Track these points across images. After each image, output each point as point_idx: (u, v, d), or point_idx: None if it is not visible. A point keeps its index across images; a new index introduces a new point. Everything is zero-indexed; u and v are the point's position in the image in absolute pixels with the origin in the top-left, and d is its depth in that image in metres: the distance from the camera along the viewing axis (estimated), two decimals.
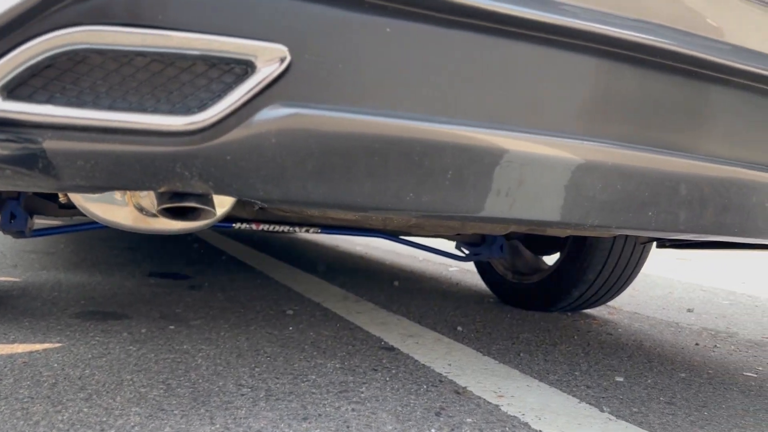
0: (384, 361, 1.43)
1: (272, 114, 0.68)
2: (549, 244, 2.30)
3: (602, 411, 1.21)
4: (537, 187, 0.85)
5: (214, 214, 0.80)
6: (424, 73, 0.75)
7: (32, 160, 0.65)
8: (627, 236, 1.98)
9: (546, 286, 2.16)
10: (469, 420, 1.10)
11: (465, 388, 1.28)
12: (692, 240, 1.79)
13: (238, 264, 2.85)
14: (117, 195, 0.91)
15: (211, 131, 0.67)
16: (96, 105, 0.65)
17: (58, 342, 1.37)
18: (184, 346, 1.41)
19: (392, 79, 0.73)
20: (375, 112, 0.73)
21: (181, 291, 2.07)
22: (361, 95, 0.72)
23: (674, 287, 3.04)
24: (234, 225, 1.87)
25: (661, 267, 3.82)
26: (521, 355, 1.59)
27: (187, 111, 0.67)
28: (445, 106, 0.77)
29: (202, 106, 0.67)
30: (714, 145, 0.97)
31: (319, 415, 1.06)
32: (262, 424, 1.00)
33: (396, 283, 2.66)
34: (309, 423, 1.02)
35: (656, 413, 1.23)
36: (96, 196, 0.91)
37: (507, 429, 1.08)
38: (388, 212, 0.84)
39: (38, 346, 1.33)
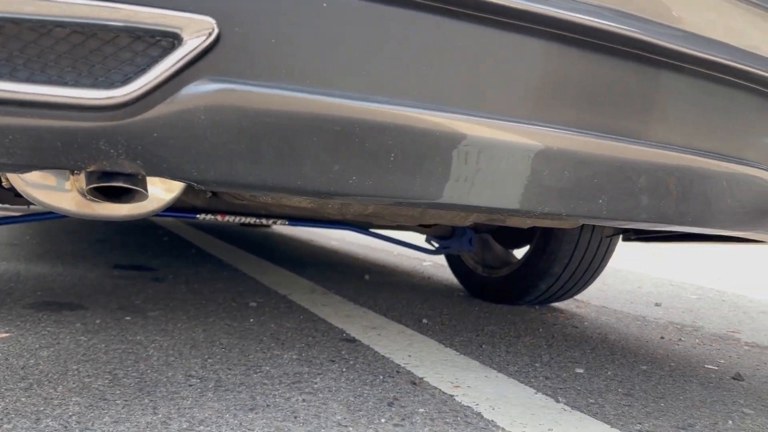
0: (343, 352, 1.41)
1: (200, 89, 0.66)
2: (519, 237, 2.30)
3: (558, 401, 1.20)
4: (482, 172, 0.84)
5: (146, 196, 0.77)
6: (363, 50, 0.73)
7: None
8: (593, 229, 1.98)
9: (514, 279, 2.16)
10: (421, 410, 1.09)
11: (422, 378, 1.27)
12: (657, 233, 1.80)
13: (207, 257, 2.81)
14: (59, 180, 0.88)
15: (135, 106, 0.65)
16: (13, 77, 0.62)
17: (6, 332, 1.33)
18: (138, 337, 1.38)
19: (328, 55, 0.71)
20: (310, 90, 0.70)
21: (143, 283, 2.04)
22: (296, 72, 0.70)
23: (644, 282, 3.05)
24: (198, 216, 1.84)
25: (633, 262, 3.84)
26: (483, 346, 1.58)
27: (110, 85, 0.64)
28: (383, 85, 0.75)
29: (126, 80, 0.64)
30: (666, 133, 0.96)
31: (268, 405, 1.04)
32: (206, 414, 0.98)
33: (367, 276, 2.64)
34: (255, 413, 1.00)
35: (612, 404, 1.23)
36: (39, 181, 0.88)
37: (459, 418, 1.06)
38: (331, 197, 0.82)
39: None
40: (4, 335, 1.31)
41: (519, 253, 2.29)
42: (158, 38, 0.65)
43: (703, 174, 1.00)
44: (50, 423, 0.89)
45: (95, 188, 0.77)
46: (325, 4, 0.71)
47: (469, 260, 2.36)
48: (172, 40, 0.65)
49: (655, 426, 1.12)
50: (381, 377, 1.25)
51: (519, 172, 0.86)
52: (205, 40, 0.65)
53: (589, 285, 2.14)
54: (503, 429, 1.03)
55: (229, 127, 0.68)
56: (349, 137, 0.75)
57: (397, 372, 1.30)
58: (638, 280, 3.09)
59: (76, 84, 0.63)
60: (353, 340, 1.52)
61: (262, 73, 0.68)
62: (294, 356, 1.34)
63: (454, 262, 2.45)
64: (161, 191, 0.89)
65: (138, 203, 0.88)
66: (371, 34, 0.74)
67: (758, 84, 1.01)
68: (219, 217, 1.88)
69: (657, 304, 2.47)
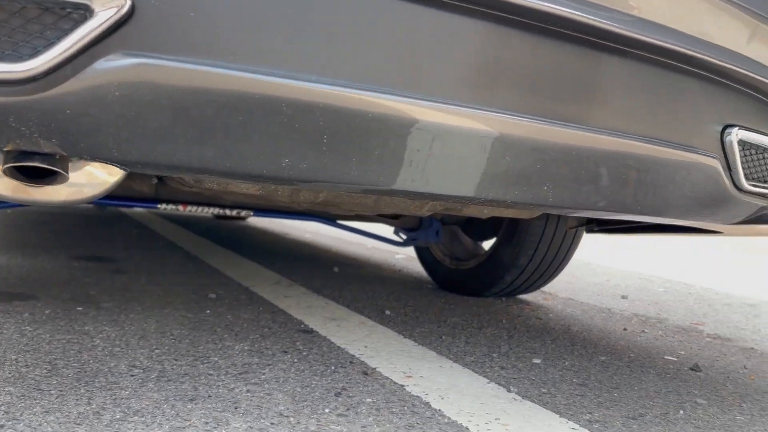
0: (298, 343, 1.39)
1: (112, 64, 0.63)
2: (487, 229, 2.29)
3: (509, 391, 1.19)
4: (421, 156, 0.82)
5: (67, 178, 0.74)
6: (287, 25, 0.71)
7: None
8: (558, 221, 1.98)
9: (481, 271, 2.15)
10: (368, 400, 1.07)
11: (374, 369, 1.25)
12: (620, 224, 1.79)
13: (176, 249, 2.77)
14: None
15: (44, 81, 0.62)
16: None
17: None
18: (86, 328, 1.35)
19: (250, 29, 0.69)
20: (232, 66, 0.68)
21: (103, 274, 2.00)
22: (216, 47, 0.68)
23: (613, 275, 3.07)
24: (159, 206, 1.81)
25: (603, 256, 3.86)
26: (443, 337, 1.57)
27: (18, 59, 0.62)
28: (314, 63, 0.73)
29: (34, 54, 0.61)
30: (611, 119, 0.95)
31: (209, 396, 1.02)
32: (143, 404, 0.95)
33: (336, 269, 2.62)
34: (195, 403, 0.98)
35: (565, 394, 1.22)
36: None
37: (406, 408, 1.05)
38: (265, 180, 0.79)
39: None
40: None
41: (488, 245, 2.29)
42: (68, 10, 0.62)
43: (651, 161, 0.99)
44: None
45: (16, 168, 0.74)
46: None
47: (438, 252, 2.34)
48: (84, 12, 0.62)
49: (605, 416, 1.12)
50: (333, 368, 1.23)
51: (459, 157, 0.85)
52: (117, 13, 0.62)
53: (554, 277, 2.14)
54: (449, 418, 1.02)
55: (146, 104, 0.66)
56: (276, 117, 0.73)
57: (351, 362, 1.28)
58: (607, 273, 3.10)
59: None
60: (310, 331, 1.50)
61: (180, 48, 0.65)
62: (246, 347, 1.32)
63: (423, 255, 2.44)
64: (104, 174, 0.87)
65: (77, 188, 0.85)
66: (296, 6, 0.71)
67: (707, 71, 1.00)
68: (181, 207, 1.85)
69: (623, 297, 2.47)
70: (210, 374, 1.12)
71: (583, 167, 0.93)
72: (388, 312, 1.81)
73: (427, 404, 1.07)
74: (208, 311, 1.61)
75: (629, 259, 3.91)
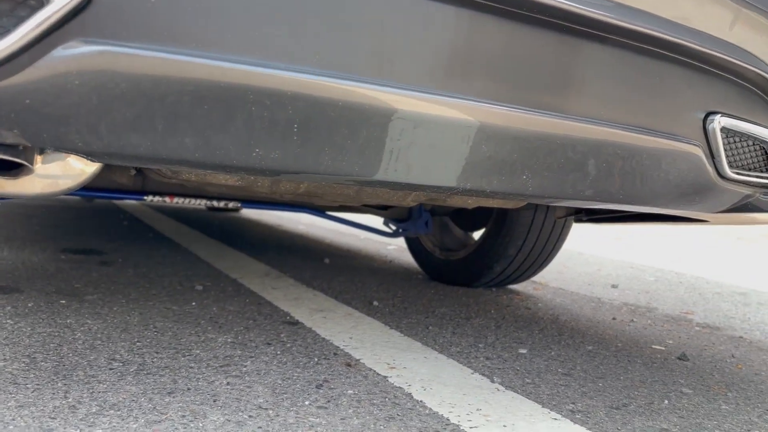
0: (282, 335, 1.38)
1: (71, 52, 0.62)
2: (478, 220, 2.28)
3: (493, 381, 1.19)
4: (395, 145, 0.81)
5: (32, 171, 0.73)
6: (252, 10, 0.69)
7: None
8: (546, 211, 1.97)
9: (470, 261, 2.14)
10: (350, 392, 1.06)
11: (358, 360, 1.24)
12: (607, 214, 1.79)
13: (164, 241, 2.76)
14: None
15: (1, 69, 0.60)
16: None
17: None
18: (68, 321, 1.34)
19: (214, 15, 0.67)
20: (195, 53, 0.67)
21: (89, 267, 1.98)
22: (178, 33, 0.66)
23: (604, 265, 3.06)
24: (146, 198, 1.79)
25: (595, 245, 3.86)
26: (430, 328, 1.56)
27: None
28: (282, 50, 0.71)
29: None
30: (591, 107, 0.94)
31: (188, 389, 1.01)
32: (120, 398, 0.94)
33: (327, 260, 2.61)
34: (173, 397, 0.97)
35: (549, 384, 1.21)
36: None
37: (387, 400, 1.04)
38: (237, 170, 0.78)
39: None
40: None
41: (479, 235, 2.28)
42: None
43: (632, 150, 0.98)
44: None
45: None
46: None
47: (428, 243, 2.34)
48: None
49: (588, 406, 1.11)
50: (315, 359, 1.22)
51: (437, 147, 0.83)
52: None
53: (544, 267, 2.14)
54: (430, 409, 1.01)
55: (107, 93, 0.64)
56: (242, 106, 0.71)
57: (334, 354, 1.27)
58: (598, 263, 3.10)
59: None
60: (296, 323, 1.49)
61: (140, 35, 0.64)
62: (229, 340, 1.31)
63: (413, 245, 2.43)
64: (80, 165, 0.85)
65: (52, 180, 0.84)
66: None
67: (688, 57, 0.99)
68: (168, 199, 1.84)
69: (614, 286, 2.47)
70: (191, 367, 1.12)
71: (562, 156, 0.92)
72: (376, 303, 1.81)
73: (409, 395, 1.07)
74: (193, 303, 1.60)
75: (620, 249, 3.91)
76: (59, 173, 0.85)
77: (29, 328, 1.26)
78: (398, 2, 0.76)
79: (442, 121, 0.81)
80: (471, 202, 1.42)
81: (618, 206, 1.07)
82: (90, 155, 0.71)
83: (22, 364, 1.05)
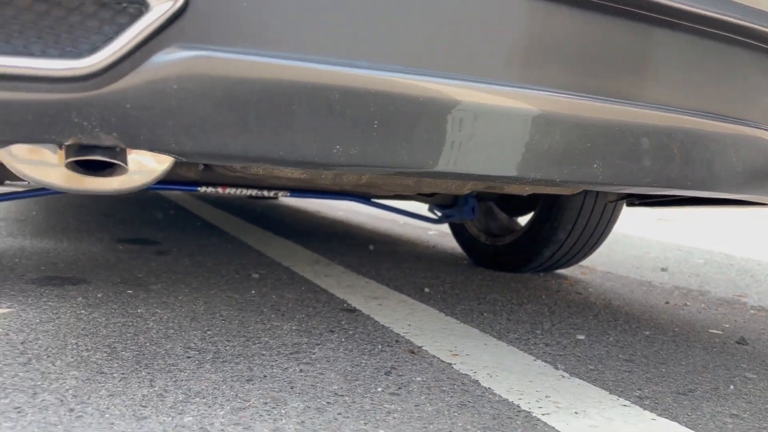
0: (343, 322, 1.41)
1: (170, 57, 0.64)
2: (523, 204, 2.28)
3: (557, 368, 1.20)
4: (471, 138, 0.82)
5: (126, 170, 0.76)
6: (338, 12, 0.71)
7: None
8: (597, 195, 1.95)
9: (518, 247, 2.15)
10: (418, 378, 1.09)
11: (420, 347, 1.27)
12: (661, 197, 1.77)
13: (213, 230, 2.82)
14: (47, 154, 0.87)
15: (104, 77, 0.63)
16: None
17: (8, 308, 1.34)
18: (139, 310, 1.39)
19: (303, 18, 0.69)
20: (285, 56, 0.68)
21: (147, 256, 2.04)
22: (269, 37, 0.68)
23: (651, 247, 3.03)
24: (199, 189, 1.84)
25: (640, 227, 3.81)
26: (485, 314, 1.58)
27: (78, 55, 0.63)
28: (364, 49, 0.73)
29: (93, 50, 0.63)
30: (663, 94, 0.93)
31: (264, 376, 1.05)
32: (203, 386, 0.98)
33: (371, 246, 2.64)
34: (252, 384, 1.01)
35: (613, 370, 1.22)
36: (27, 156, 0.87)
37: (456, 386, 1.06)
38: (315, 167, 0.80)
39: None
40: (5, 310, 1.32)
41: (524, 220, 2.28)
42: (126, 5, 0.63)
43: (704, 136, 0.98)
44: (47, 397, 0.90)
45: (76, 162, 0.76)
46: None
47: (473, 228, 2.34)
48: (139, 6, 0.63)
49: (655, 392, 1.12)
50: (379, 346, 1.25)
51: (510, 137, 0.84)
52: (173, 5, 0.63)
53: (593, 251, 2.13)
54: (500, 396, 1.03)
55: (203, 96, 0.67)
56: (328, 105, 0.73)
57: (396, 341, 1.30)
58: (646, 246, 3.07)
59: (44, 55, 0.62)
60: (354, 310, 1.52)
61: (234, 39, 0.66)
62: (294, 327, 1.34)
63: (457, 231, 2.44)
64: (153, 163, 0.88)
65: (127, 176, 0.87)
66: None
67: (760, 41, 0.98)
68: (220, 190, 1.88)
69: (663, 269, 2.45)
70: (263, 354, 1.15)
71: (635, 144, 0.92)
72: (427, 290, 1.83)
73: (477, 382, 1.09)
74: (253, 291, 1.64)
75: (667, 230, 3.85)
76: (135, 170, 0.88)
77: (104, 319, 1.31)
78: None
79: (513, 112, 0.81)
80: (528, 189, 1.43)
81: (684, 192, 1.06)
82: (182, 155, 0.73)
83: (105, 354, 1.10)
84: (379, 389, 1.03)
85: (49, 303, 1.40)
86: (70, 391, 0.93)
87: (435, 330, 1.40)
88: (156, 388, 0.96)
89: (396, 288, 1.82)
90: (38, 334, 1.18)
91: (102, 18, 0.62)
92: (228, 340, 1.22)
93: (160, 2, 0.62)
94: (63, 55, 0.62)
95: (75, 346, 1.13)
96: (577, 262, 2.17)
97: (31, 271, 1.72)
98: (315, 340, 1.27)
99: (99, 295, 1.50)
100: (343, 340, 1.28)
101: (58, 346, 1.12)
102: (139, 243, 2.30)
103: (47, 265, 1.81)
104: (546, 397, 1.04)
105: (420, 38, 0.75)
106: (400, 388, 1.04)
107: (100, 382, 0.97)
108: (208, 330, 1.28)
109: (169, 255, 2.10)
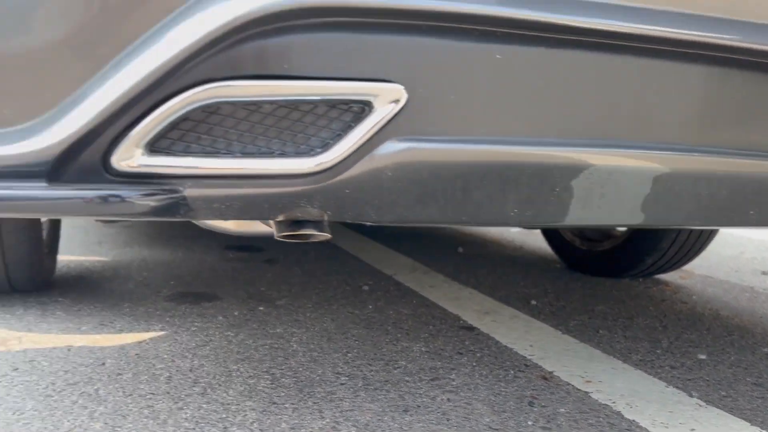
0: (467, 342, 1.48)
1: (389, 149, 0.71)
2: None
3: (691, 396, 1.23)
4: (631, 195, 0.86)
5: (329, 237, 0.83)
6: (532, 97, 0.76)
7: (174, 208, 0.69)
8: None
9: (618, 253, 2.16)
10: (562, 410, 1.14)
11: (551, 372, 1.32)
12: None
13: None
14: (259, 225, 0.99)
15: (334, 170, 0.70)
16: (228, 152, 0.69)
17: (161, 330, 1.46)
18: (277, 330, 1.49)
19: (499, 107, 0.74)
20: (484, 140, 0.74)
21: (258, 265, 2.16)
22: (473, 124, 0.74)
23: (745, 246, 2.97)
24: None
25: None
26: (600, 332, 1.61)
27: (310, 151, 0.70)
28: (556, 128, 0.77)
29: (325, 146, 0.69)
30: None
31: (418, 406, 1.12)
32: (368, 417, 1.07)
33: (460, 249, 2.69)
34: (410, 416, 1.08)
35: (745, 396, 1.24)
36: (238, 227, 1.00)
37: (601, 419, 1.11)
38: (489, 226, 0.86)
39: (144, 336, 1.42)
40: (159, 333, 1.44)
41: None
42: (352, 105, 0.69)
43: None
44: (236, 431, 1.00)
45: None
46: (498, 56, 0.74)
47: (567, 233, 2.36)
48: (364, 106, 0.69)
49: None
50: (512, 372, 1.31)
51: (678, 193, 0.88)
52: (395, 106, 0.69)
53: (694, 258, 2.12)
54: (646, 430, 1.07)
55: (411, 180, 0.73)
56: (519, 178, 0.78)
57: (525, 365, 1.35)
58: (739, 244, 3.01)
59: (283, 154, 0.69)
60: (472, 328, 1.59)
61: (441, 130, 0.72)
62: (423, 349, 1.42)
63: (551, 235, 2.46)
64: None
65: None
66: (538, 81, 0.76)
67: None
68: None
69: (764, 273, 2.41)
70: (407, 381, 1.23)
71: None
72: (534, 302, 1.87)
73: (620, 414, 1.13)
74: (370, 306, 1.73)
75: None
76: None
77: (251, 341, 1.41)
78: (653, 74, 0.80)
79: (700, 174, 0.85)
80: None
81: None
82: (376, 222, 0.80)
83: (267, 382, 1.20)
84: (530, 422, 1.09)
85: (196, 324, 1.52)
86: (255, 425, 1.03)
87: (558, 352, 1.45)
88: (327, 420, 1.05)
89: (502, 300, 1.87)
90: (201, 359, 1.29)
91: (331, 117, 0.69)
92: (369, 364, 1.31)
93: (384, 104, 0.68)
94: (298, 153, 0.69)
95: (239, 373, 1.23)
96: (677, 268, 2.17)
97: (163, 286, 1.85)
98: (448, 363, 1.34)
99: (236, 313, 1.61)
100: (474, 364, 1.34)
101: (223, 374, 1.23)
102: (245, 250, 2.42)
103: (174, 278, 1.95)
104: (692, 430, 1.08)
105: (603, 113, 0.79)
106: (549, 422, 1.09)
107: (276, 414, 1.07)
108: (347, 352, 1.37)
109: (278, 264, 2.20)
